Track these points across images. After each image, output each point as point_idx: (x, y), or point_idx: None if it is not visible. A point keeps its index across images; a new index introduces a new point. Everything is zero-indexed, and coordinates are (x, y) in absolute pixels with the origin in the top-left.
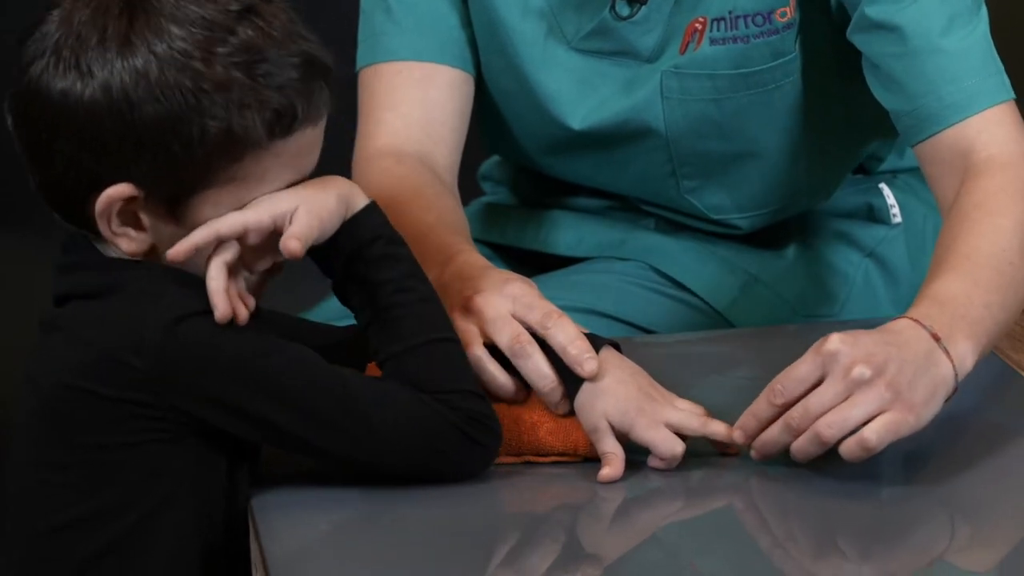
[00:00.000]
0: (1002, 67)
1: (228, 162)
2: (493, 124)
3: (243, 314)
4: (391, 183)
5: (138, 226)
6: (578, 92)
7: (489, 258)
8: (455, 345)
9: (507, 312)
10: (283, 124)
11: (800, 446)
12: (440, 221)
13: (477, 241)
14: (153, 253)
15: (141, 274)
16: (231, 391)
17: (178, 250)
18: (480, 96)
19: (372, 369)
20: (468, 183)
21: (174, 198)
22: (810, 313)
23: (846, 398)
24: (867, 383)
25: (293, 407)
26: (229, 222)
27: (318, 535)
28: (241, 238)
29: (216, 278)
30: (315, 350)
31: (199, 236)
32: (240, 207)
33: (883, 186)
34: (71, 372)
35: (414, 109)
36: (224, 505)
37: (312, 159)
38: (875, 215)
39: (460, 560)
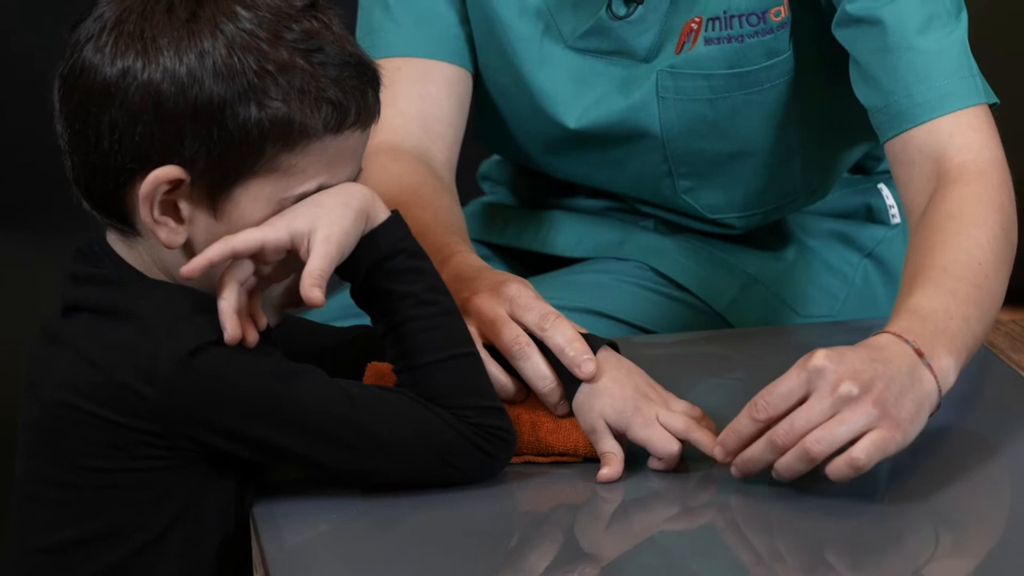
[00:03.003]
0: (978, 72)
1: (279, 149)
2: (491, 122)
3: (252, 337)
4: (388, 181)
5: (177, 217)
6: (574, 91)
7: (488, 258)
8: (476, 359)
9: (505, 314)
10: (337, 118)
11: (786, 462)
12: (437, 220)
13: (476, 241)
14: (188, 248)
15: (158, 297)
16: (243, 422)
17: (192, 266)
18: (478, 94)
19: (372, 369)
20: (468, 183)
21: (218, 185)
22: (809, 313)
23: (832, 415)
24: (855, 400)
25: (305, 433)
26: (245, 238)
27: (318, 536)
28: (258, 255)
29: (227, 298)
30: (317, 351)
31: (214, 252)
32: (276, 204)
33: (882, 186)
34: (78, 393)
35: (412, 105)
36: (234, 517)
37: (350, 171)
38: (874, 215)
39: (460, 560)
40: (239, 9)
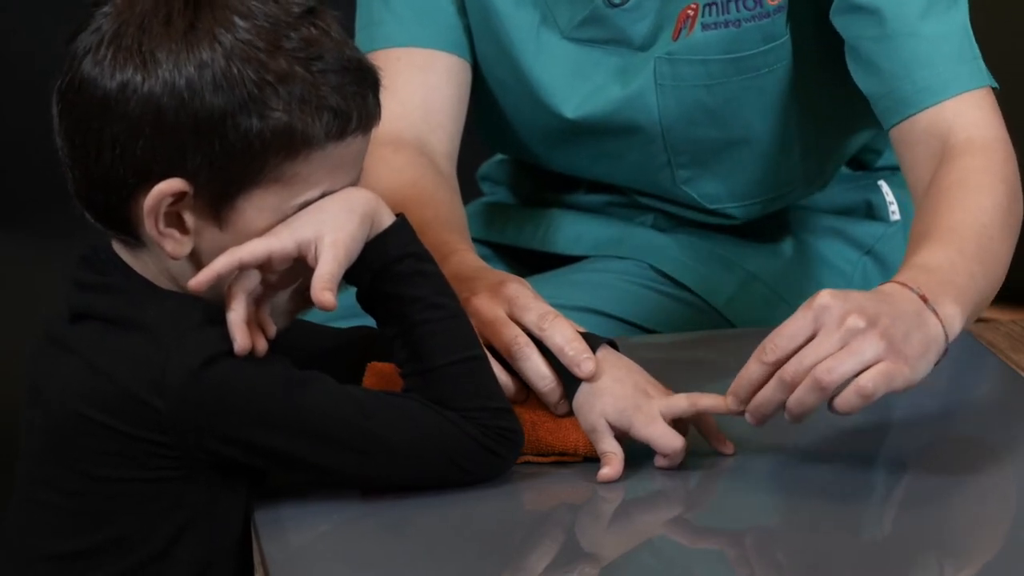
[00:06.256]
0: (979, 54)
1: (281, 159)
2: (490, 115)
3: (261, 346)
4: (388, 174)
5: (182, 228)
6: (571, 81)
7: (488, 258)
8: (485, 361)
9: (504, 314)
10: (339, 126)
11: (797, 397)
12: (436, 218)
13: (476, 241)
14: (194, 257)
15: (168, 308)
16: (254, 432)
17: (200, 279)
18: (477, 85)
19: (372, 369)
20: (468, 184)
21: (221, 196)
22: None
23: (840, 349)
24: (862, 332)
25: (316, 440)
26: (251, 249)
27: (318, 536)
28: (264, 265)
29: (236, 309)
30: (319, 353)
31: (221, 264)
32: (280, 212)
33: (882, 183)
34: (88, 403)
35: (413, 95)
36: (242, 525)
37: (352, 175)
38: (873, 212)
39: (460, 560)
40: (237, 19)
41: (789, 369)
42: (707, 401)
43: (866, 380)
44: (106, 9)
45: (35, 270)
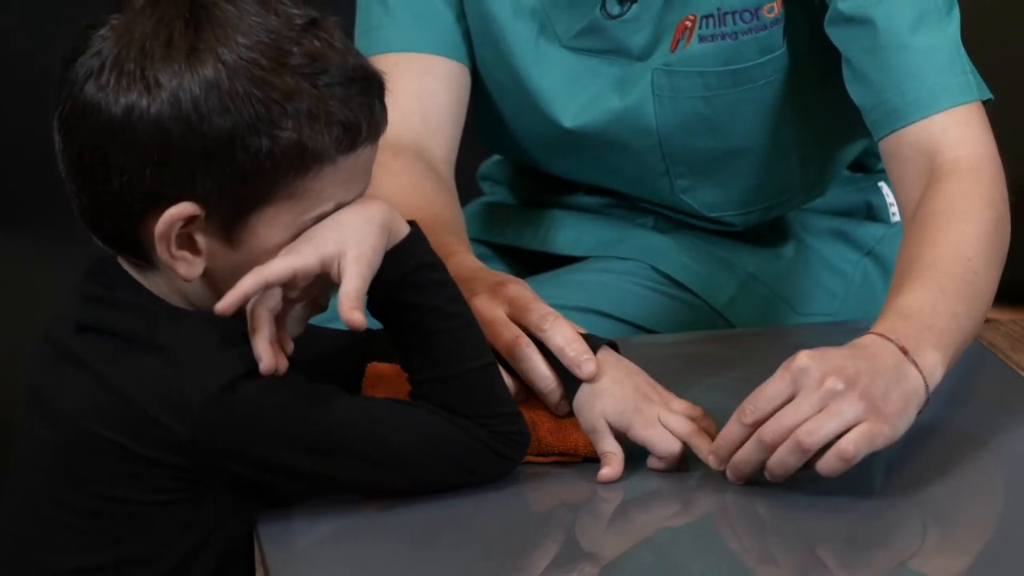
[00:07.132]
0: (970, 68)
1: (292, 177)
2: (489, 120)
3: (283, 365)
4: (387, 179)
5: (194, 250)
6: (570, 90)
7: (488, 258)
8: (496, 369)
9: (504, 315)
10: (349, 138)
11: (779, 458)
12: (436, 221)
13: (476, 241)
14: (207, 277)
15: (184, 328)
16: (274, 451)
17: (227, 302)
18: (476, 90)
19: (372, 369)
20: (468, 183)
21: (233, 217)
22: (808, 312)
23: (820, 410)
24: (841, 394)
25: (333, 455)
26: (277, 268)
27: (318, 537)
28: (287, 283)
29: (262, 330)
30: (323, 355)
31: (247, 284)
32: (294, 228)
33: (882, 184)
34: (102, 423)
35: (412, 101)
36: (250, 531)
37: (364, 184)
38: (874, 213)
39: (460, 560)
40: (239, 37)
41: (768, 430)
42: (698, 442)
43: (847, 443)
44: (104, 32)
45: (35, 270)
